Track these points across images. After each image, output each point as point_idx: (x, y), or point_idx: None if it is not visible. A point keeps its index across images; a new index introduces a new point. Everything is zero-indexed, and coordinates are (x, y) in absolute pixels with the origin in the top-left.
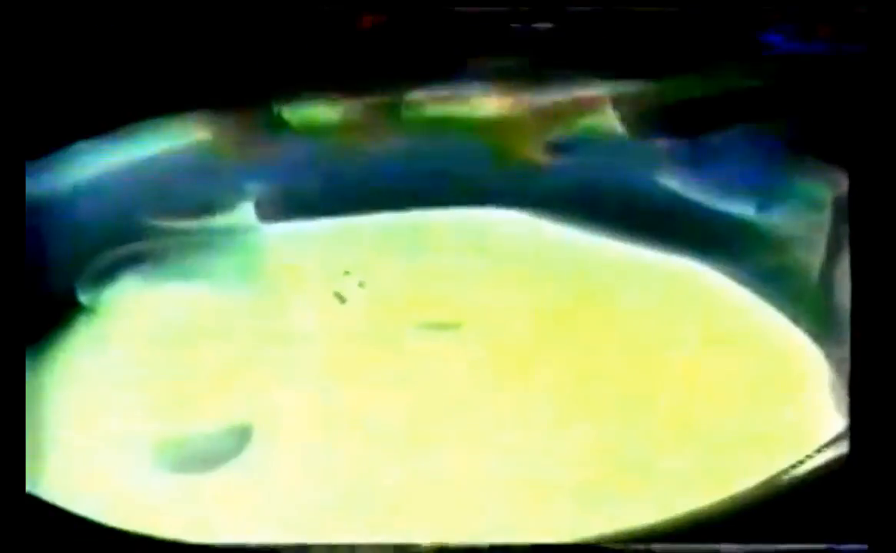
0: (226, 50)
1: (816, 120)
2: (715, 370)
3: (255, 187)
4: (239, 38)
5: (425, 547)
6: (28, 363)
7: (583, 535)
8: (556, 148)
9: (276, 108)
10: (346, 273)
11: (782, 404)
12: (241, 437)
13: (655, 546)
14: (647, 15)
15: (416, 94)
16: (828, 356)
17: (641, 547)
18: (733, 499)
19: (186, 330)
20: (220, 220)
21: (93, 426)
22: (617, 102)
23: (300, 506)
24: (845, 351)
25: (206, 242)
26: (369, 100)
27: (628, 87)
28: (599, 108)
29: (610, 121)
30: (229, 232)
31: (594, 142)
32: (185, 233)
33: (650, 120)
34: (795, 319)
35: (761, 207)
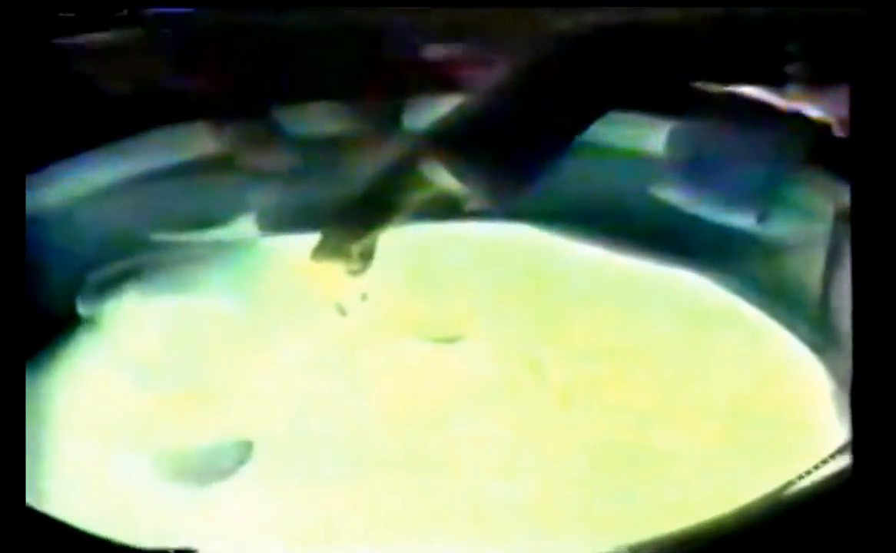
0: (227, 61)
1: (818, 131)
2: (715, 382)
3: (255, 199)
4: (241, 50)
5: None
6: (29, 375)
7: (586, 549)
8: None
9: (276, 120)
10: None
11: (783, 417)
12: (241, 451)
13: None
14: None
15: (417, 104)
16: (829, 368)
17: None
18: (735, 513)
19: (186, 343)
20: (220, 233)
21: (93, 439)
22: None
23: (300, 521)
24: (847, 363)
25: (207, 255)
26: (370, 110)
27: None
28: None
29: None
30: (230, 244)
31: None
32: (186, 245)
33: (650, 131)
34: (796, 331)
35: (762, 219)
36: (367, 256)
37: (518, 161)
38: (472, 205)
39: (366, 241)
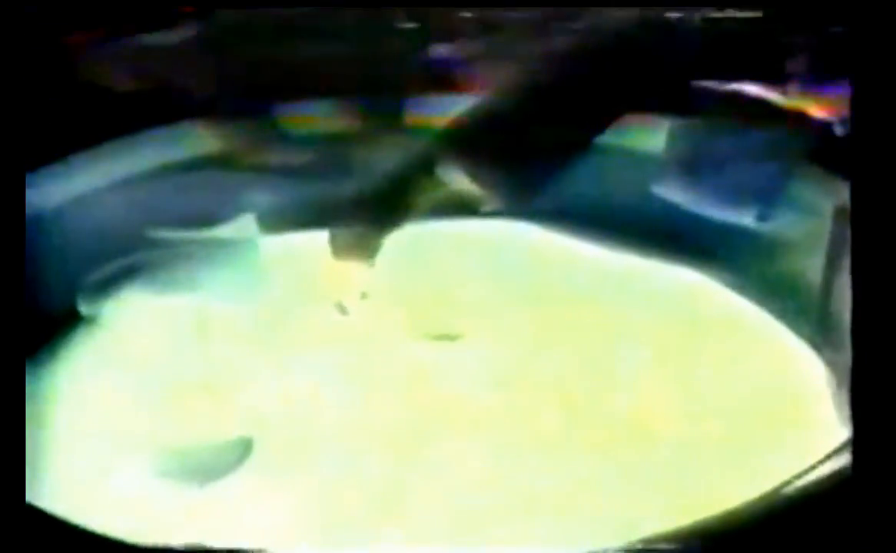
0: (228, 59)
1: (818, 129)
2: (715, 381)
3: (256, 198)
4: (241, 48)
5: None
6: (28, 374)
7: (584, 546)
8: None
9: (277, 119)
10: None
11: (784, 414)
12: (241, 449)
13: None
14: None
15: (417, 102)
16: (829, 365)
17: None
18: (735, 511)
19: (187, 341)
20: (220, 231)
21: (93, 437)
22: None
23: (299, 519)
24: (847, 360)
25: (208, 253)
26: (370, 109)
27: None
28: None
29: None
30: (231, 243)
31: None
32: (187, 244)
33: (650, 129)
34: (796, 329)
35: (762, 217)
36: (371, 255)
37: (534, 164)
38: (485, 207)
39: (375, 240)
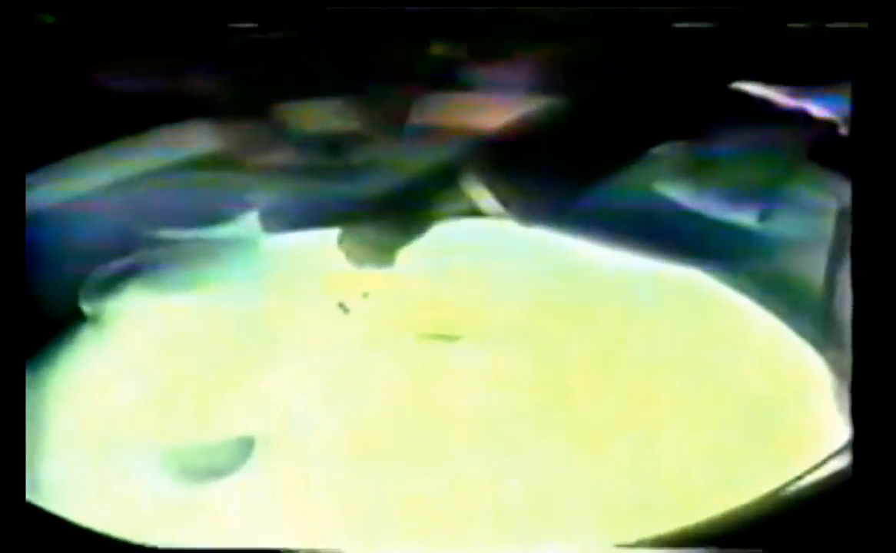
0: (229, 59)
1: (821, 128)
2: (717, 380)
3: (258, 197)
4: (242, 47)
5: None
6: (31, 372)
7: (584, 545)
8: None
9: (279, 118)
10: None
11: (785, 415)
12: (243, 448)
13: None
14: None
15: (420, 101)
16: (831, 365)
17: None
18: (737, 511)
19: (189, 340)
20: (223, 231)
21: (95, 436)
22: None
23: (301, 518)
24: (848, 360)
25: (210, 252)
26: (372, 108)
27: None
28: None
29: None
30: (233, 242)
31: None
32: (189, 243)
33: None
34: (798, 328)
35: (763, 216)
36: (382, 258)
37: (560, 190)
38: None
39: (388, 243)
